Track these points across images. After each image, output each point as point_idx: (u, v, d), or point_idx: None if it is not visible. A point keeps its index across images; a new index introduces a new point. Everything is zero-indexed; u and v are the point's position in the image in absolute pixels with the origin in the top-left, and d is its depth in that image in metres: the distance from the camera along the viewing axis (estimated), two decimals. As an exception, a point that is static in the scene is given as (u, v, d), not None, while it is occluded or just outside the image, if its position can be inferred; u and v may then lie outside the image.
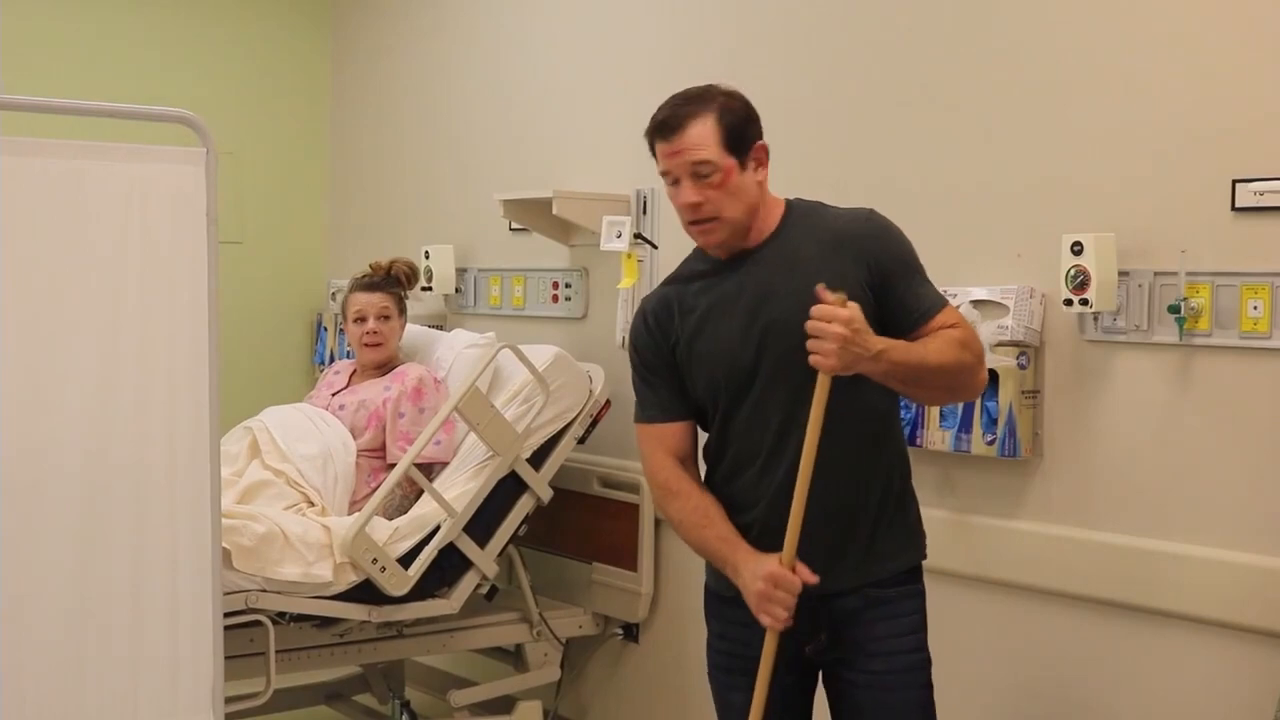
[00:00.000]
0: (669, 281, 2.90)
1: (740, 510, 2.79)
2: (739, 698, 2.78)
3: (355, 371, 4.51)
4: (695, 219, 2.73)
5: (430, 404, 4.28)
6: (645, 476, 2.93)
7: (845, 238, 2.74)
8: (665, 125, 2.70)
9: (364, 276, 4.56)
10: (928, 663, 2.83)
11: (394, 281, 4.56)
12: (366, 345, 4.44)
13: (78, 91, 4.43)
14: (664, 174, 2.75)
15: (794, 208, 2.83)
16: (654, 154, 2.75)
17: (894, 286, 2.72)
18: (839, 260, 2.71)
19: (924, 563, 2.88)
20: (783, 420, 2.73)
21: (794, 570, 2.64)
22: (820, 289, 2.55)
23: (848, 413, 2.67)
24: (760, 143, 2.75)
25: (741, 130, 2.71)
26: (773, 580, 2.62)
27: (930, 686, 2.82)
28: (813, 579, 2.63)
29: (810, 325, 2.54)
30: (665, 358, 2.84)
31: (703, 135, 2.68)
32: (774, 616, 2.64)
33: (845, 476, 2.73)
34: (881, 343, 2.58)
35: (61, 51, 5.39)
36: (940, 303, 2.76)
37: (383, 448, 4.24)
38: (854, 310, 2.54)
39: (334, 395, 4.42)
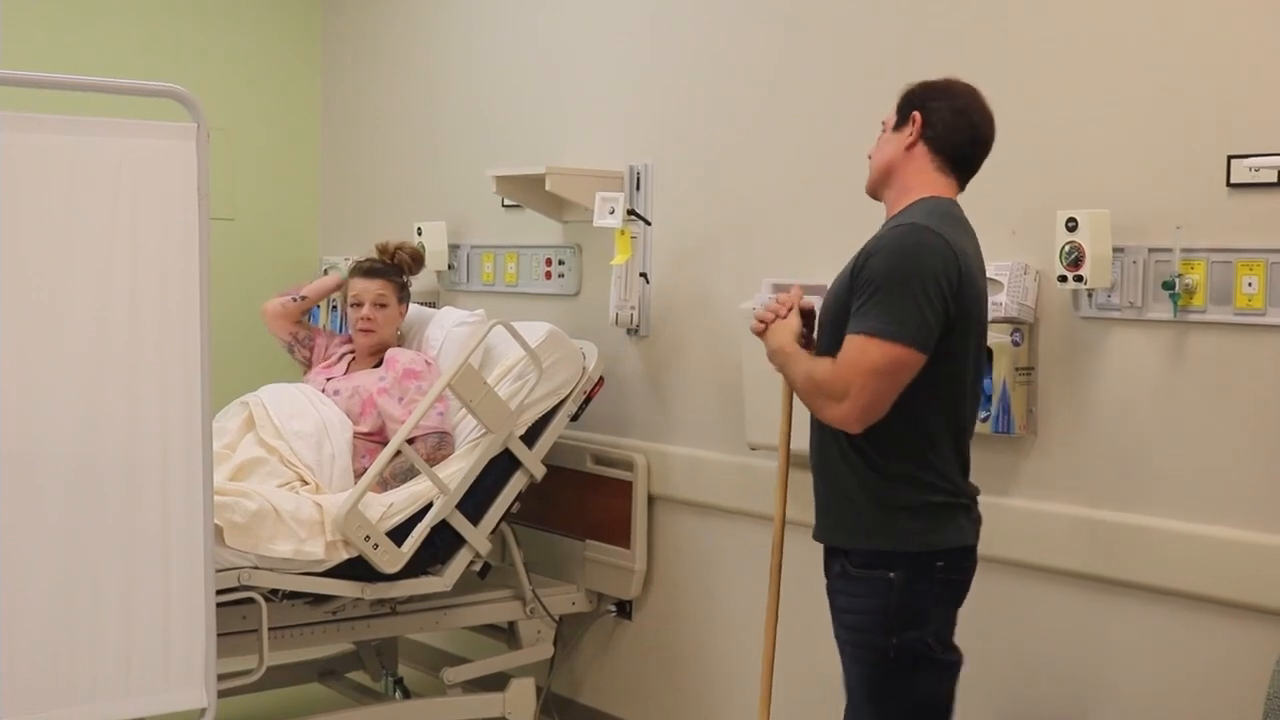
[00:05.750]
0: None
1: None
2: None
3: (353, 359, 4.49)
4: None
5: (424, 384, 4.25)
6: None
7: (867, 244, 2.86)
8: None
9: (365, 261, 4.53)
10: (883, 647, 2.79)
11: (395, 269, 4.53)
12: (359, 330, 4.43)
13: (69, 67, 4.41)
14: None
15: (913, 205, 2.89)
16: None
17: (854, 303, 2.79)
18: (852, 264, 2.85)
19: (920, 552, 2.80)
20: None
21: None
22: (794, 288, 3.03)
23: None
24: (916, 113, 2.92)
25: (910, 99, 2.97)
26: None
27: (881, 669, 2.81)
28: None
29: None
30: None
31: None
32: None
33: (824, 449, 2.94)
34: (775, 342, 2.95)
35: (53, 27, 5.36)
36: (849, 336, 2.76)
37: (378, 431, 4.22)
38: (782, 317, 2.96)
39: (329, 381, 4.40)
